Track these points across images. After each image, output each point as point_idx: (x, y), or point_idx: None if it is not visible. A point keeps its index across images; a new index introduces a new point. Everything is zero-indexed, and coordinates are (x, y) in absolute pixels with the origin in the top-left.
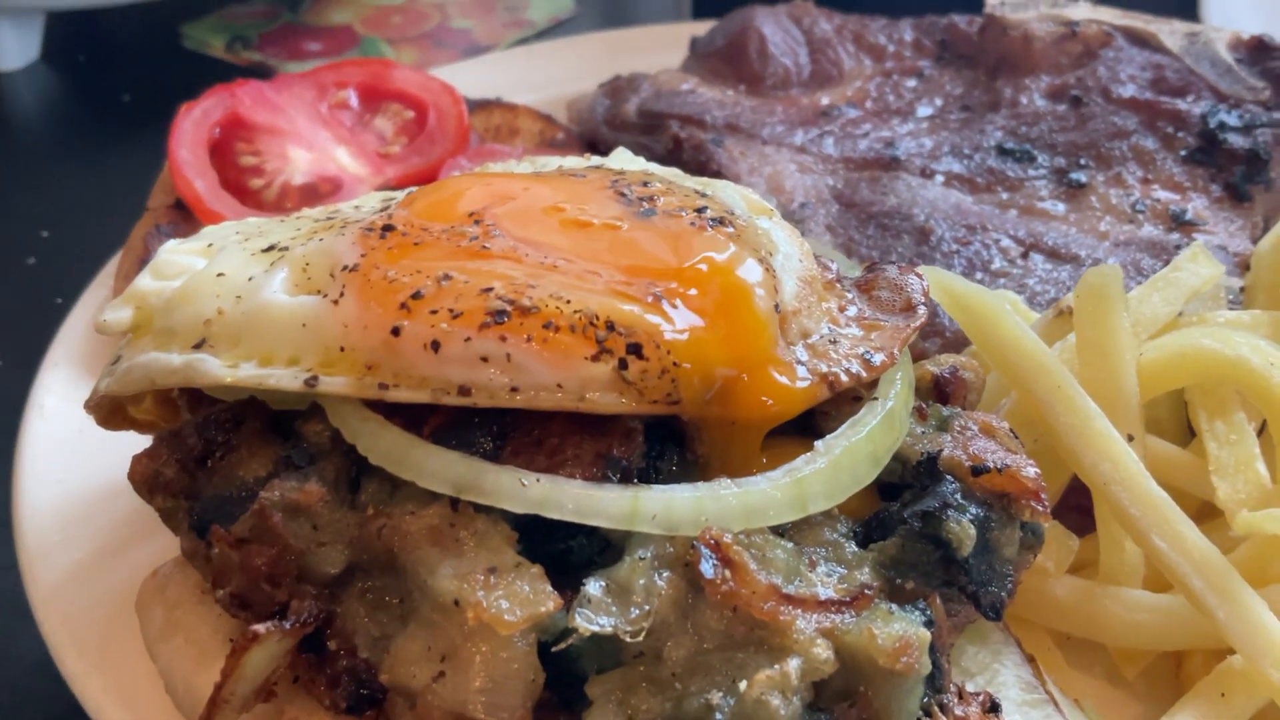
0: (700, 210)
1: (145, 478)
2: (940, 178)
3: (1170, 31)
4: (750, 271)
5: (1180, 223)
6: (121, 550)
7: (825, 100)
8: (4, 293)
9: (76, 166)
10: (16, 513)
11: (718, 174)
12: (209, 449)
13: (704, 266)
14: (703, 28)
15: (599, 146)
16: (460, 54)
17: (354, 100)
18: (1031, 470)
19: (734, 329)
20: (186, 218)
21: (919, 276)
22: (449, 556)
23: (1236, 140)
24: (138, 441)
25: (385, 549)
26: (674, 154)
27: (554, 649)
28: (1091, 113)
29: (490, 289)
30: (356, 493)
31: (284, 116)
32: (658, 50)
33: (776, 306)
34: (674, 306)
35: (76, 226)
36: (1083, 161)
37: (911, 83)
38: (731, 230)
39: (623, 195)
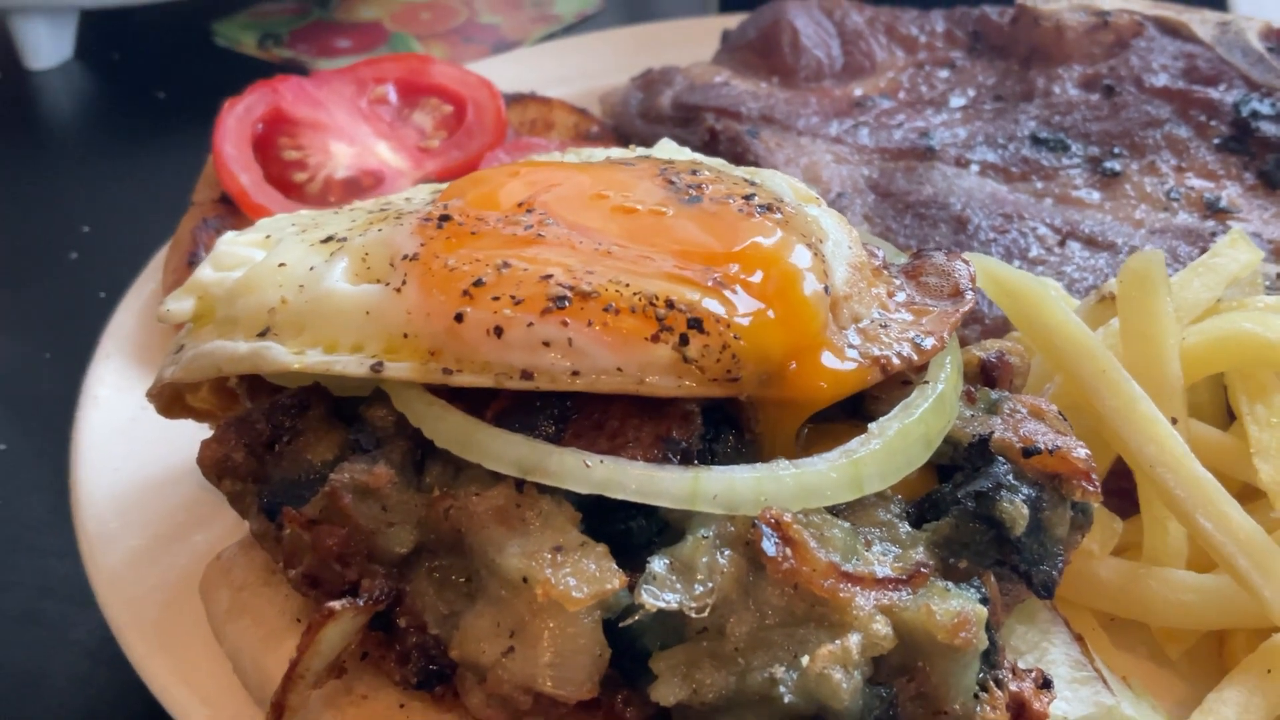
0: (748, 197)
1: (214, 462)
2: (975, 167)
3: (1201, 21)
4: (800, 257)
5: (1215, 210)
6: (179, 535)
7: (858, 91)
8: (48, 288)
9: (114, 163)
10: (75, 501)
11: (755, 165)
12: (276, 434)
13: (755, 252)
14: (730, 21)
15: (634, 140)
16: (489, 49)
17: (393, 95)
18: (1082, 451)
19: (787, 313)
20: (232, 212)
21: (966, 262)
22: (516, 536)
23: (1269, 128)
24: (188, 432)
25: (452, 529)
26: (710, 146)
27: (620, 625)
28: (1124, 102)
29: (550, 275)
30: (422, 475)
31: (325, 111)
32: (687, 44)
33: (826, 290)
34: (731, 290)
35: (116, 222)
36: (1116, 150)
37: (944, 73)
38: (780, 216)
39: (671, 183)
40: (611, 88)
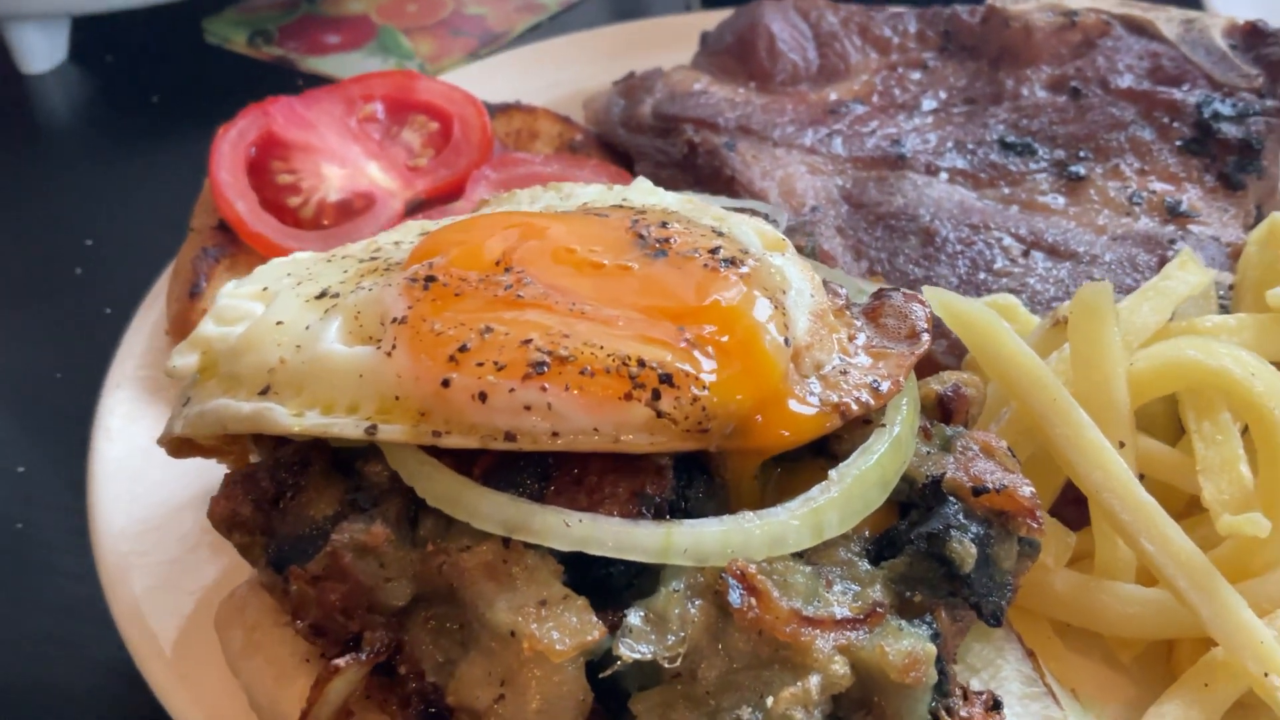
0: (714, 250)
1: (224, 517)
2: (945, 175)
3: (1167, 19)
4: (762, 310)
5: (1175, 215)
6: (192, 565)
7: (833, 96)
8: (56, 305)
9: (113, 172)
10: (94, 533)
11: (731, 179)
12: (280, 490)
13: (718, 308)
14: (713, 19)
15: (617, 147)
16: (476, 41)
17: (381, 113)
18: (1027, 490)
19: (750, 366)
20: (231, 239)
21: (922, 304)
22: (504, 591)
23: (1230, 130)
24: (196, 464)
25: (445, 583)
26: (689, 159)
27: (600, 675)
28: (1090, 104)
29: (529, 340)
30: (416, 528)
31: (315, 133)
32: (671, 44)
33: (787, 341)
34: (697, 348)
35: (118, 235)
36: (1082, 154)
37: (916, 75)
38: (745, 270)
39: (641, 236)
40: (596, 90)
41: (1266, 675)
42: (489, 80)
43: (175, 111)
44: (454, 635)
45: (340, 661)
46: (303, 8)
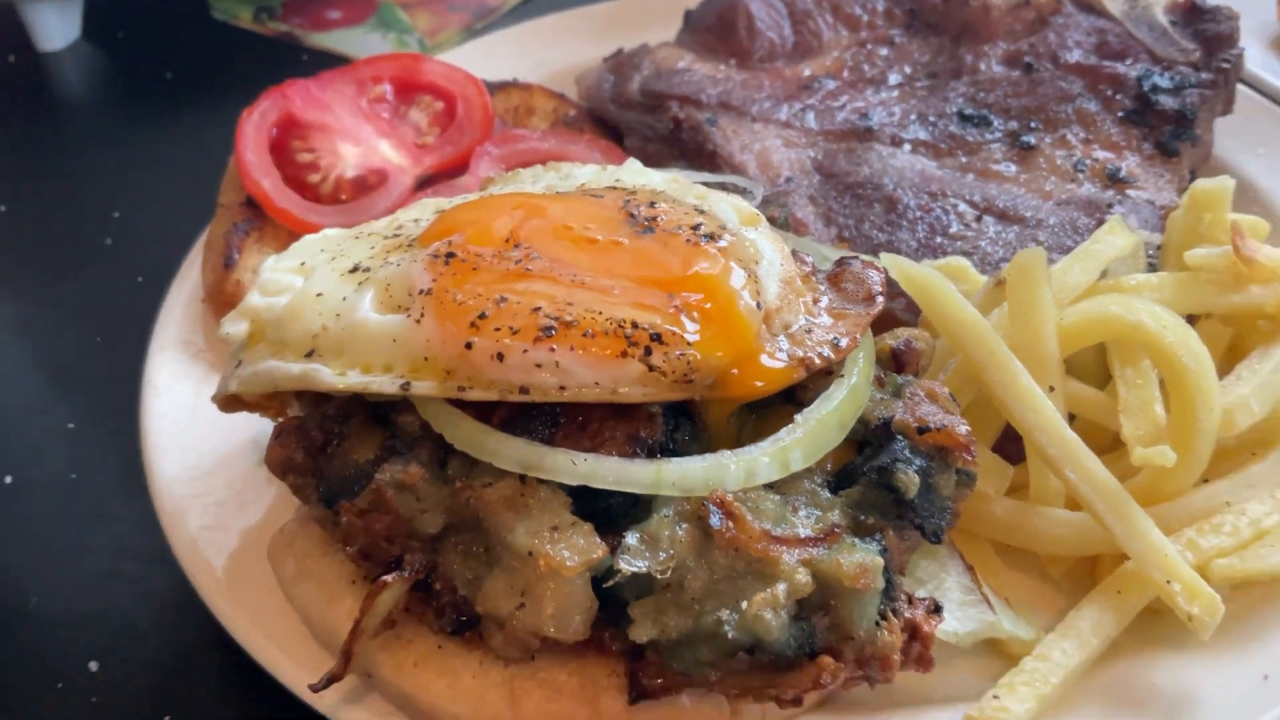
0: (696, 227)
1: (279, 462)
2: (908, 146)
3: None
4: (738, 279)
5: (1115, 180)
6: (241, 506)
7: (807, 71)
8: (91, 275)
9: (132, 145)
10: (151, 479)
11: (714, 153)
12: (328, 439)
13: (700, 277)
14: None
15: (608, 123)
16: (470, 15)
17: (389, 94)
18: (963, 429)
19: (727, 327)
20: (258, 214)
21: (878, 270)
22: (521, 519)
23: (1167, 101)
24: (240, 418)
25: (472, 513)
26: (675, 134)
27: (603, 585)
28: (1042, 78)
29: (538, 308)
30: (445, 469)
31: (331, 114)
32: (656, 21)
33: (759, 305)
34: (683, 312)
35: (143, 206)
36: (1033, 124)
37: (884, 51)
38: (723, 244)
39: (631, 215)
40: (587, 66)
41: (1169, 582)
42: (487, 59)
43: (187, 86)
44: (480, 557)
45: (388, 578)
46: None
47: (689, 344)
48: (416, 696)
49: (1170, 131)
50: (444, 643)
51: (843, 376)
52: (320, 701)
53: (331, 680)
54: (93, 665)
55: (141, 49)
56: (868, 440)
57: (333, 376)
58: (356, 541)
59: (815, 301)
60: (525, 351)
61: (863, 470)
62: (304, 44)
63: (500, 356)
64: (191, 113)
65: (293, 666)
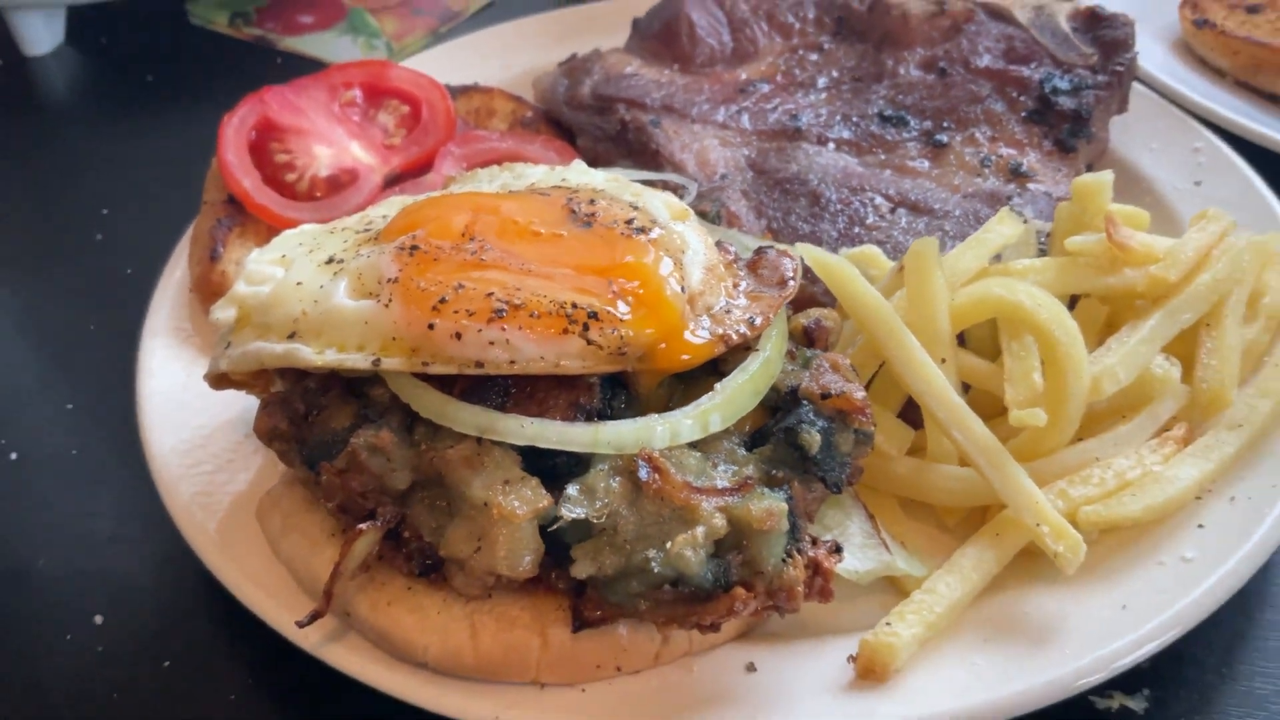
0: (629, 221)
1: (266, 431)
2: (832, 144)
3: (1021, 5)
4: (665, 267)
5: (1016, 175)
6: (230, 473)
7: (743, 76)
8: (83, 266)
9: (118, 144)
10: (147, 451)
11: (657, 152)
12: (309, 409)
13: (631, 265)
14: (646, 3)
15: (561, 123)
16: (435, 19)
17: (359, 98)
18: (859, 394)
19: (655, 309)
20: (240, 210)
21: (791, 258)
22: (478, 475)
23: (1065, 101)
24: (226, 395)
25: (436, 471)
26: (622, 134)
27: (549, 530)
28: (954, 81)
29: (491, 293)
30: (412, 434)
31: (305, 117)
32: (609, 28)
33: (684, 289)
34: (616, 295)
35: (130, 202)
36: (945, 124)
37: (814, 57)
38: (653, 236)
39: (573, 211)
40: (544, 70)
41: (1038, 525)
42: (451, 63)
43: (169, 89)
44: (442, 509)
45: (363, 526)
46: None
47: (622, 322)
48: (389, 631)
49: (1068, 129)
50: (413, 584)
51: (758, 351)
52: (305, 639)
53: (315, 617)
54: (98, 619)
55: (123, 53)
56: (779, 405)
57: (312, 355)
58: (335, 498)
59: (735, 286)
60: (480, 331)
61: (773, 431)
62: (277, 47)
63: (458, 335)
64: (172, 113)
65: (281, 611)
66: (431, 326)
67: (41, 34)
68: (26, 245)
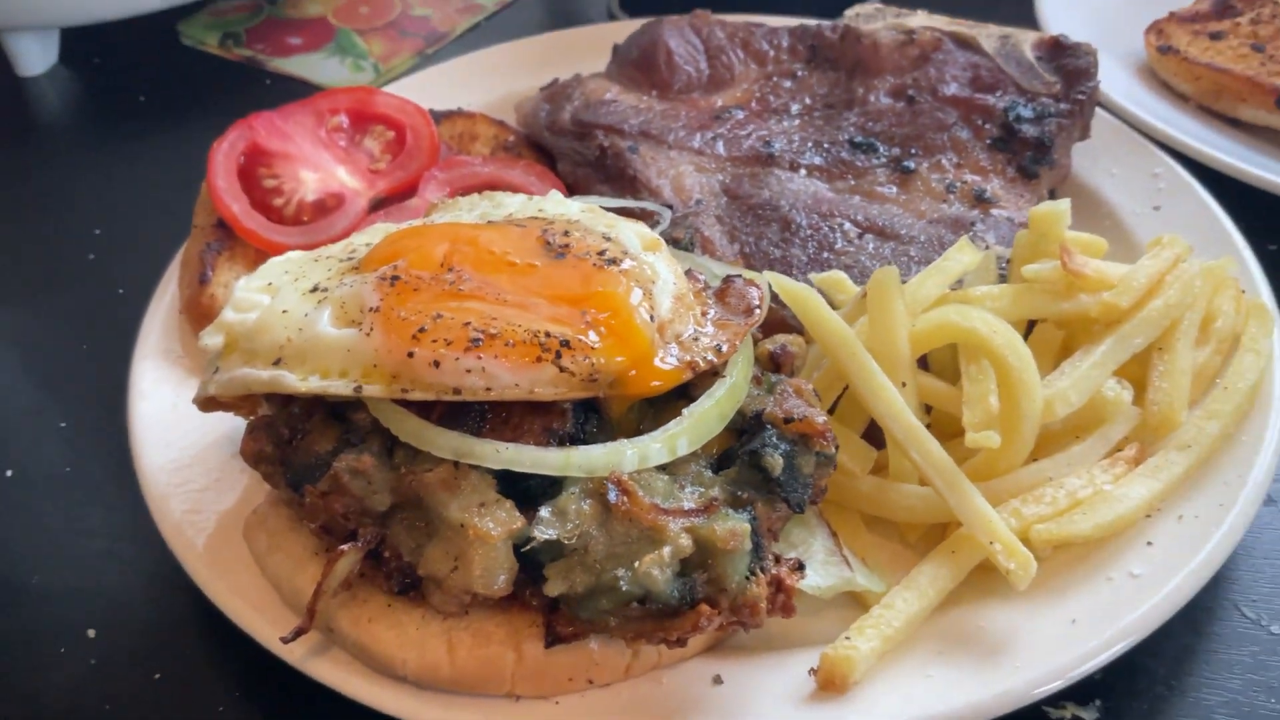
0: (602, 252)
1: (252, 453)
2: (804, 170)
3: (988, 35)
4: (635, 297)
5: (980, 200)
6: (218, 492)
7: (719, 102)
8: (76, 289)
9: (110, 165)
10: (139, 470)
11: (634, 178)
12: (293, 433)
13: (602, 296)
14: (621, 34)
15: (543, 147)
16: (422, 41)
17: (345, 124)
18: (821, 419)
19: (626, 337)
20: (229, 234)
21: (757, 287)
22: (455, 497)
23: (1029, 129)
24: (215, 418)
25: (415, 494)
26: (600, 160)
27: (523, 550)
28: (922, 109)
29: (468, 322)
30: (392, 457)
31: (293, 143)
32: (590, 53)
33: (653, 318)
34: (587, 324)
35: (122, 223)
36: (913, 151)
37: (788, 84)
38: (625, 267)
39: (548, 243)
40: (525, 94)
41: (991, 543)
42: (435, 88)
43: (161, 109)
44: (421, 529)
45: (344, 547)
46: (265, 10)
47: (593, 350)
48: (370, 646)
49: (1031, 156)
50: (393, 601)
51: (725, 377)
52: (290, 654)
53: (299, 633)
54: (90, 632)
55: (116, 73)
56: (745, 429)
57: (297, 381)
58: (318, 519)
59: (703, 314)
60: (457, 359)
61: (739, 454)
62: (267, 69)
63: (437, 364)
64: (164, 133)
65: (266, 626)
66: (411, 355)
67: (35, 55)
68: (20, 265)
